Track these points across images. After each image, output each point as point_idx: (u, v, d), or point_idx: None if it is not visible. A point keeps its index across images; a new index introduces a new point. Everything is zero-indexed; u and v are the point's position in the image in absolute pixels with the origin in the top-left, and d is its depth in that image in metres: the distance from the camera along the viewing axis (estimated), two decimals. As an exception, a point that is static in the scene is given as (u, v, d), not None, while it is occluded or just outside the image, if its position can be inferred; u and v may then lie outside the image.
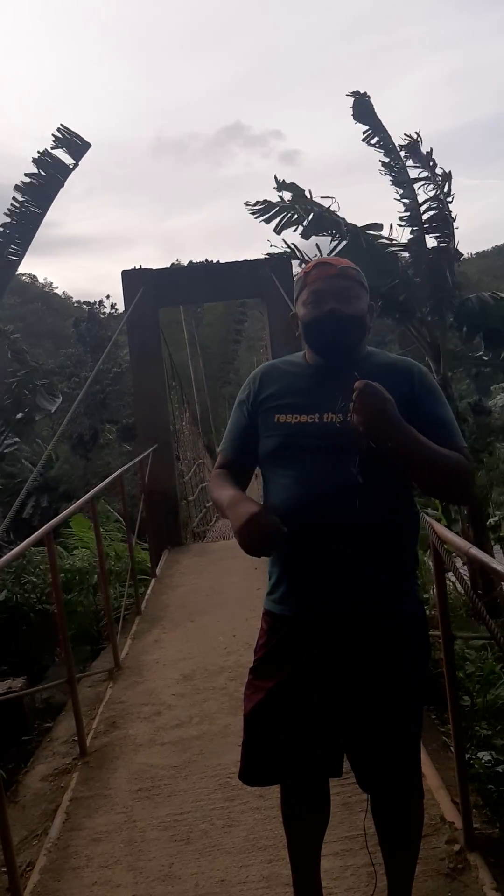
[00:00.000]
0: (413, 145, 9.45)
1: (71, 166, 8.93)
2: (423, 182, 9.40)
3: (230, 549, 9.02)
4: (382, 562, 1.76)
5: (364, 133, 9.72)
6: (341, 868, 2.44)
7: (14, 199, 9.18)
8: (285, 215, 9.11)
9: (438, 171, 9.46)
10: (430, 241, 9.71)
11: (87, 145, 8.96)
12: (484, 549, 8.70)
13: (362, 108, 9.72)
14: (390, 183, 9.74)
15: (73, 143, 8.82)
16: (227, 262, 9.13)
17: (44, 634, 5.41)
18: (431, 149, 9.59)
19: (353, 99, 9.73)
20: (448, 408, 1.85)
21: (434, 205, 9.31)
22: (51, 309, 60.30)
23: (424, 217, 9.42)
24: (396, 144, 9.59)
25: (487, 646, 5.38)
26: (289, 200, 9.18)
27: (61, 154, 8.73)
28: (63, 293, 69.51)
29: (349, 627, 1.78)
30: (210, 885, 2.46)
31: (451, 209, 9.37)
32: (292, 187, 9.19)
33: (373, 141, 9.73)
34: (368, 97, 9.69)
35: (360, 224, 9.22)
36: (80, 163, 8.97)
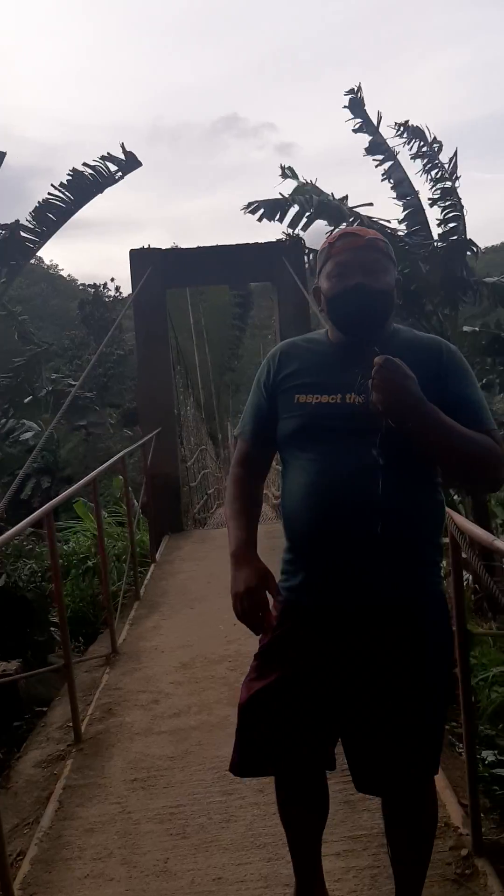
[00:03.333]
0: (416, 130, 9.22)
1: (118, 177, 9.66)
2: (429, 167, 9.17)
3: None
4: (403, 549, 1.67)
5: (354, 126, 9.55)
6: (343, 870, 2.35)
7: (54, 189, 9.84)
8: (288, 210, 8.99)
9: (445, 157, 9.25)
10: (436, 230, 9.54)
11: (138, 164, 9.65)
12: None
13: (356, 106, 9.55)
14: (383, 178, 9.56)
15: (124, 160, 9.55)
16: (237, 245, 8.95)
17: (39, 617, 5.31)
18: (435, 137, 9.35)
19: (350, 93, 9.54)
20: (478, 388, 1.76)
21: (441, 191, 9.11)
22: (56, 291, 59.96)
23: (433, 205, 9.24)
24: (400, 126, 9.35)
25: (491, 640, 5.29)
26: (289, 195, 9.04)
27: (112, 166, 9.62)
28: (68, 275, 69.06)
29: (365, 618, 1.69)
30: (206, 882, 2.37)
31: (459, 195, 9.17)
32: (292, 171, 9.06)
33: (363, 136, 9.57)
34: (361, 94, 9.51)
35: (361, 213, 9.06)
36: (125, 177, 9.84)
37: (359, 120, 9.55)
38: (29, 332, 13.28)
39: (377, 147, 9.58)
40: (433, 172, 9.26)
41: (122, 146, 9.71)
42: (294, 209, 8.81)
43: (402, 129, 9.26)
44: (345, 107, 9.52)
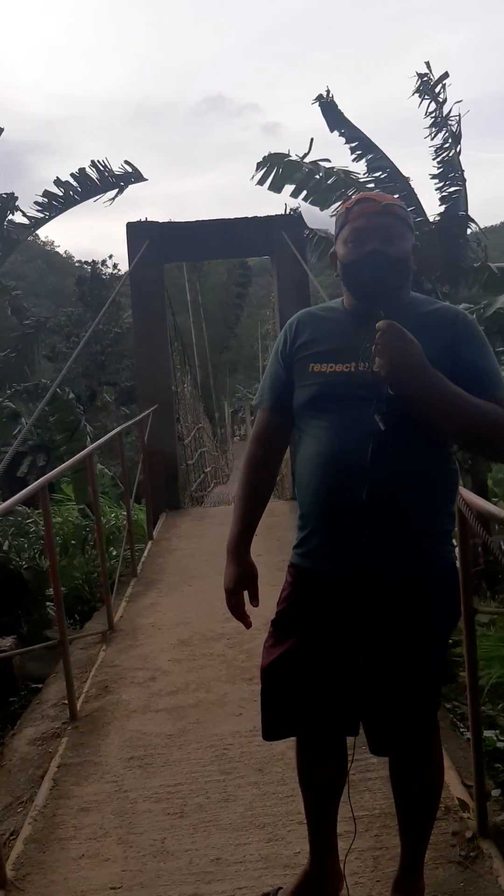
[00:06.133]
0: (426, 82, 8.94)
1: (120, 186, 9.99)
2: (436, 131, 8.96)
3: (229, 514, 8.77)
4: (409, 518, 1.67)
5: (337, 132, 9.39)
6: (345, 851, 2.28)
7: (63, 182, 10.10)
8: (294, 174, 8.87)
9: (453, 120, 9.01)
10: (431, 207, 9.38)
11: (142, 178, 10.04)
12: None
13: (328, 108, 9.36)
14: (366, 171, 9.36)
15: (129, 174, 9.91)
16: (236, 218, 8.75)
17: (34, 593, 5.26)
18: (443, 83, 8.96)
19: (319, 99, 9.33)
20: (492, 358, 1.71)
21: (445, 160, 8.90)
22: (52, 268, 59.47)
23: (436, 175, 9.03)
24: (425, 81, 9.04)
25: (493, 621, 5.26)
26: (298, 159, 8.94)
27: (116, 178, 10.01)
28: (65, 252, 68.44)
29: (368, 585, 1.70)
30: (205, 863, 2.31)
31: (462, 167, 8.97)
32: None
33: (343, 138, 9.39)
34: (331, 96, 9.36)
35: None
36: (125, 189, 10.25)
37: (334, 123, 9.42)
38: (22, 307, 13.13)
39: (360, 143, 9.44)
40: (439, 136, 9.00)
41: (128, 162, 10.15)
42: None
43: (422, 80, 8.95)
44: (316, 101, 9.37)
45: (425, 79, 8.90)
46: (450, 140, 8.90)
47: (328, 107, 9.26)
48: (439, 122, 8.94)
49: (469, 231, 9.45)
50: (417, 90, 8.92)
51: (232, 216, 8.82)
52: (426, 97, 8.91)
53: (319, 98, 9.27)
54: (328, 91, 9.25)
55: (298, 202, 9.31)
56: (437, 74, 8.86)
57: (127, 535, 5.71)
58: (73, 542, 7.11)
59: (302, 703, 1.84)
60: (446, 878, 2.15)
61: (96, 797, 2.73)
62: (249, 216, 8.82)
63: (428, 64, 8.90)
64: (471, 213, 9.15)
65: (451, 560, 1.79)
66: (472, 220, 9.49)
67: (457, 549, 2.45)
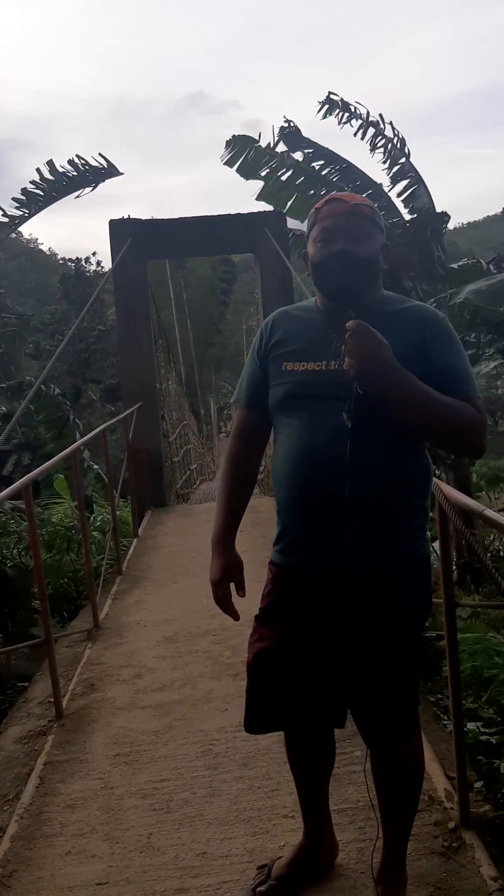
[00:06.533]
0: (345, 107, 9.19)
1: (96, 182, 10.15)
2: (378, 145, 9.17)
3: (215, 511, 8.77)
4: (376, 513, 1.69)
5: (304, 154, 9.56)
6: (357, 841, 2.32)
7: (40, 179, 10.32)
8: (267, 160, 9.01)
9: (390, 133, 9.24)
10: (402, 208, 9.56)
11: (118, 173, 10.21)
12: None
13: (290, 137, 9.51)
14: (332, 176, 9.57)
15: (104, 169, 10.09)
16: (219, 215, 8.75)
17: (19, 592, 5.25)
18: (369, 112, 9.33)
19: (283, 129, 9.57)
20: (463, 356, 1.75)
21: (397, 169, 9.10)
22: (35, 265, 59.24)
23: (398, 184, 9.23)
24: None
25: (475, 614, 5.31)
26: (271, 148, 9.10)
27: (92, 173, 10.18)
28: (49, 249, 68.26)
29: (348, 580, 1.73)
30: (191, 857, 2.33)
31: (416, 170, 9.16)
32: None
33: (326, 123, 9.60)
34: (293, 124, 9.49)
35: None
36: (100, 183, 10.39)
37: (298, 149, 9.61)
38: (6, 305, 13.09)
39: (328, 160, 9.59)
40: (383, 149, 9.23)
41: (102, 156, 10.24)
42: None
43: (327, 105, 9.25)
44: (281, 135, 9.60)
45: (339, 109, 9.16)
46: (398, 147, 9.11)
47: (290, 136, 9.44)
48: (383, 142, 9.19)
49: (444, 229, 9.62)
50: (340, 120, 9.20)
51: (215, 213, 8.87)
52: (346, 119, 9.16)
53: (283, 130, 9.47)
54: (290, 122, 9.46)
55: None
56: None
57: (112, 532, 5.71)
58: (58, 540, 7.09)
59: (286, 698, 1.86)
60: (429, 869, 2.18)
61: (82, 794, 2.74)
62: (232, 213, 8.83)
63: (337, 94, 9.26)
64: (452, 209, 9.36)
65: (424, 554, 1.82)
66: (446, 217, 9.64)
67: (437, 543, 2.49)
